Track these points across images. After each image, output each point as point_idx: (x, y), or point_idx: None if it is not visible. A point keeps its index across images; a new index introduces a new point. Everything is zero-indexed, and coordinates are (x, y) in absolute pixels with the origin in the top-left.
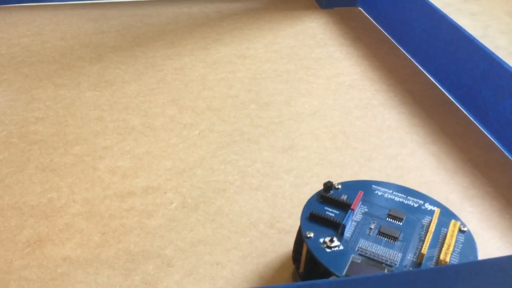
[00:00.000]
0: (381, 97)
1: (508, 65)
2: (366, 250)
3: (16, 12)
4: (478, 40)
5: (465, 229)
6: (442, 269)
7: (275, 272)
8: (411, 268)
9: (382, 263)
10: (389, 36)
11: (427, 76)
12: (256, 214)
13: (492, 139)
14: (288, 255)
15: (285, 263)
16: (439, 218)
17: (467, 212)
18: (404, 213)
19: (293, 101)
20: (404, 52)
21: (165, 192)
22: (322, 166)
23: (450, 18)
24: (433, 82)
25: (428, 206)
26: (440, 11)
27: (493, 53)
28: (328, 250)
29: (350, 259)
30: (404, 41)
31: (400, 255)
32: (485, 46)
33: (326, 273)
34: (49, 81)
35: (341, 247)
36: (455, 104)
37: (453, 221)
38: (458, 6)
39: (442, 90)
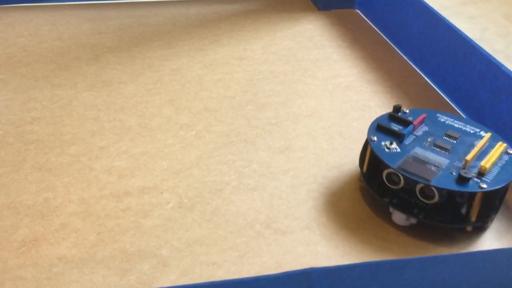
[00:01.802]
0: (378, 98)
1: (505, 67)
2: (419, 154)
3: (13, 12)
4: (475, 42)
5: (511, 152)
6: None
7: (271, 272)
8: (454, 171)
9: (430, 164)
10: (386, 38)
11: (424, 78)
12: (253, 215)
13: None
14: (284, 256)
15: (281, 263)
16: (490, 141)
17: None
18: (460, 134)
19: (290, 102)
20: (401, 54)
21: (162, 192)
22: (319, 167)
23: (448, 21)
24: (430, 84)
25: (483, 133)
26: (438, 13)
27: (490, 55)
28: (387, 150)
29: (404, 157)
30: (401, 43)
31: (448, 161)
32: (482, 48)
33: (384, 167)
34: (46, 81)
35: (398, 150)
36: (452, 106)
37: (500, 142)
38: (456, 9)
39: (439, 91)
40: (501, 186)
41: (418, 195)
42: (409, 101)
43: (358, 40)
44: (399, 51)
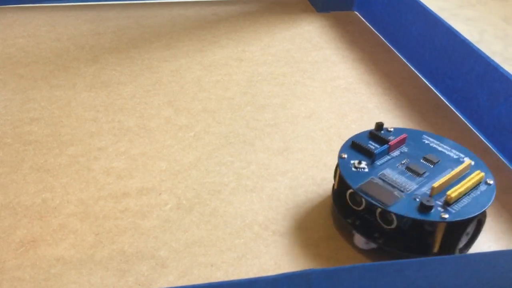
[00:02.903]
0: (376, 100)
1: (503, 69)
2: (387, 176)
3: (12, 13)
4: (473, 44)
5: (491, 182)
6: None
7: (270, 274)
8: (419, 198)
9: (395, 187)
10: (385, 40)
11: (423, 80)
12: (251, 216)
13: (487, 143)
14: (283, 257)
15: (280, 264)
16: (470, 170)
17: None
18: (439, 159)
19: (289, 104)
20: (400, 55)
21: (160, 193)
22: (318, 168)
23: (446, 23)
24: (429, 86)
25: (466, 160)
26: (436, 15)
27: (488, 57)
28: (354, 169)
29: (369, 178)
30: (399, 45)
31: (415, 186)
32: (480, 50)
33: (347, 187)
34: (45, 82)
35: (366, 170)
36: (450, 108)
37: (478, 171)
38: (454, 11)
39: (437, 93)
40: (465, 218)
41: (378, 219)
42: (407, 103)
43: (356, 42)
44: (397, 53)
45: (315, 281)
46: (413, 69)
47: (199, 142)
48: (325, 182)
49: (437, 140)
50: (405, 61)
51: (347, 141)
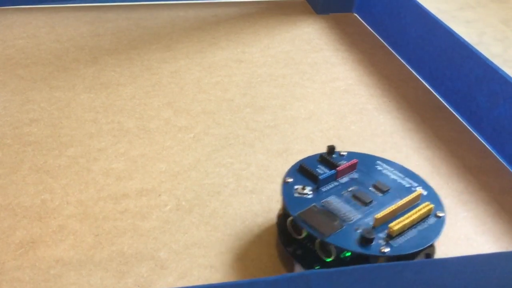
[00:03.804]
0: (376, 102)
1: (502, 71)
2: (330, 204)
3: (12, 14)
4: (472, 46)
5: (441, 215)
6: (430, 262)
7: (269, 275)
8: (360, 229)
9: (337, 216)
10: (384, 42)
11: (422, 82)
12: (251, 217)
13: (486, 145)
14: (282, 258)
15: (280, 267)
16: (420, 200)
17: (461, 217)
18: (389, 187)
19: (289, 105)
20: (399, 57)
21: (159, 195)
22: None
23: (445, 25)
24: (428, 88)
25: (418, 189)
26: (435, 17)
27: (487, 59)
28: (297, 195)
29: (311, 206)
30: (399, 47)
31: (359, 216)
32: (479, 52)
33: (288, 214)
34: (44, 83)
35: (310, 196)
36: (450, 110)
37: (427, 203)
38: (453, 13)
39: (437, 95)
40: (407, 253)
41: (317, 250)
42: (407, 104)
43: (356, 43)
44: (397, 55)
45: (315, 283)
46: (413, 71)
47: (199, 143)
48: None
49: (391, 167)
50: (405, 63)
51: (294, 164)
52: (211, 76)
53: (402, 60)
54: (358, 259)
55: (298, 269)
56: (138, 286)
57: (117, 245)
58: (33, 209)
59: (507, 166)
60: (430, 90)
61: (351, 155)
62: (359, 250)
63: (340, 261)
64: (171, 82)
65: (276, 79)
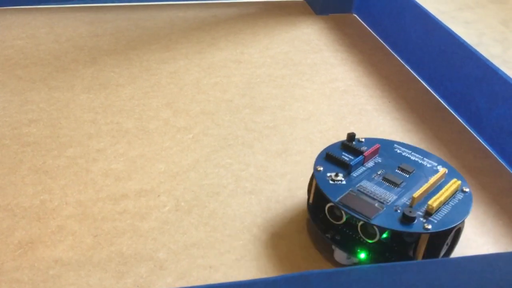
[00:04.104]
0: (375, 102)
1: (502, 72)
2: (365, 188)
3: (11, 14)
4: (472, 47)
5: (467, 190)
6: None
7: (268, 275)
8: (400, 209)
9: (375, 199)
10: (383, 43)
11: (421, 82)
12: (250, 218)
13: (485, 146)
14: (281, 259)
15: (278, 267)
16: (445, 178)
17: None
18: (414, 168)
19: (288, 106)
20: (399, 58)
21: (159, 195)
22: None
23: (445, 25)
24: (427, 88)
25: (440, 168)
26: (435, 18)
27: (487, 60)
28: (331, 182)
29: (348, 191)
30: (398, 48)
31: (395, 197)
32: (479, 53)
33: (326, 201)
34: (43, 83)
35: (344, 182)
36: (449, 110)
37: (454, 179)
38: (453, 14)
39: (436, 96)
40: (447, 228)
41: (360, 232)
42: (406, 105)
43: (355, 44)
44: (396, 56)
45: (314, 283)
46: (412, 71)
47: (198, 144)
48: None
49: (409, 150)
50: (404, 63)
51: (321, 153)
52: (210, 76)
53: (401, 61)
54: (398, 238)
55: (296, 270)
56: (137, 287)
57: (116, 245)
58: (32, 209)
59: (506, 167)
60: (429, 91)
61: (369, 140)
62: (404, 229)
63: (381, 242)
64: (170, 83)
65: (275, 80)
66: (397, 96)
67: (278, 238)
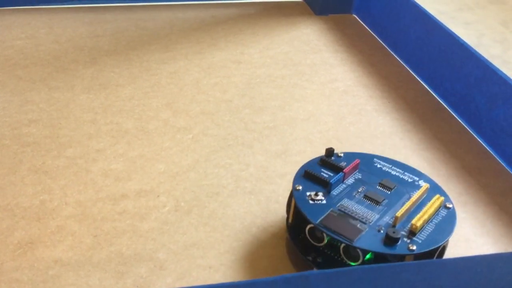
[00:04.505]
0: (375, 103)
1: (502, 72)
2: (347, 207)
3: (10, 15)
4: (472, 47)
5: (450, 206)
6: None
7: (268, 276)
8: (383, 229)
9: (357, 219)
10: (383, 43)
11: (421, 83)
12: (249, 218)
13: (485, 146)
14: (281, 259)
15: (278, 267)
16: (428, 194)
17: (460, 218)
18: (395, 184)
19: (288, 106)
20: (398, 58)
21: (158, 196)
22: None
23: (444, 26)
24: (427, 89)
25: (422, 183)
26: (434, 18)
27: (487, 60)
28: (311, 202)
29: (329, 211)
30: (398, 48)
31: (377, 216)
32: (479, 53)
33: (306, 222)
34: (43, 83)
35: (324, 202)
36: (449, 111)
37: (437, 195)
38: (452, 15)
39: (436, 96)
40: (432, 248)
41: (342, 254)
42: (406, 106)
43: (355, 44)
44: (396, 56)
45: (314, 284)
46: (412, 72)
47: (198, 144)
48: None
49: (389, 164)
50: (404, 64)
51: (298, 171)
52: (210, 77)
53: (401, 61)
54: (382, 259)
55: (296, 270)
56: (137, 287)
57: (116, 245)
58: (31, 209)
59: (506, 168)
60: (429, 91)
61: (348, 155)
62: (388, 251)
63: (364, 264)
64: (170, 83)
65: (275, 80)
66: (397, 96)
67: (277, 239)
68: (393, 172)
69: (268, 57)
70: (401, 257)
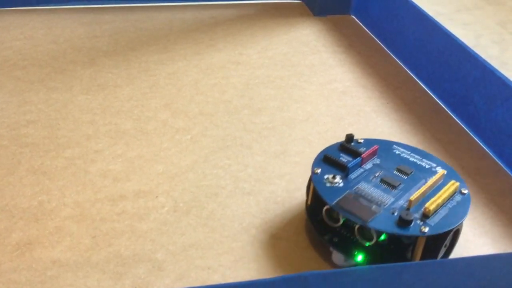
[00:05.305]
0: (373, 104)
1: (500, 72)
2: (363, 190)
3: (9, 15)
4: (470, 48)
5: (465, 191)
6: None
7: (266, 276)
8: (397, 212)
9: (372, 202)
10: (381, 44)
11: (419, 84)
12: (248, 219)
13: (484, 147)
14: (280, 260)
15: (277, 268)
16: (444, 179)
17: None
18: (412, 169)
19: (286, 107)
20: (397, 59)
21: (157, 196)
22: None
23: (443, 27)
24: (425, 90)
25: (439, 169)
26: (433, 19)
27: (485, 61)
28: (328, 184)
29: (345, 193)
30: (396, 49)
31: (392, 199)
32: (477, 54)
33: (323, 203)
34: (41, 84)
35: (341, 185)
36: (447, 112)
37: (453, 181)
38: (451, 16)
39: (434, 97)
40: (444, 231)
41: (356, 235)
42: (404, 106)
43: (353, 45)
44: (394, 57)
45: (312, 284)
46: (410, 73)
47: (196, 145)
48: None
49: (408, 150)
50: (402, 65)
51: (318, 155)
52: (209, 77)
53: (399, 62)
54: (396, 240)
55: (295, 271)
56: None
57: (114, 246)
58: (30, 210)
59: (505, 168)
60: (427, 92)
61: (368, 141)
62: (400, 232)
63: (378, 245)
64: (168, 84)
65: (273, 81)
66: (395, 97)
67: (276, 239)
68: (411, 159)
69: (267, 58)
70: (414, 239)
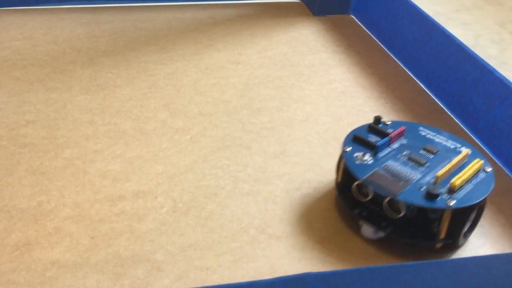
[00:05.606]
0: (372, 104)
1: (499, 73)
2: (391, 167)
3: (8, 15)
4: (469, 48)
5: (489, 170)
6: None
7: (266, 277)
8: (424, 186)
9: (400, 177)
10: (381, 44)
11: (418, 84)
12: (247, 219)
13: (482, 147)
14: (279, 261)
15: (276, 268)
16: (468, 158)
17: None
18: (438, 149)
19: (285, 107)
20: (396, 59)
21: (156, 197)
22: (314, 171)
23: (442, 27)
24: (424, 90)
25: (463, 149)
26: (432, 19)
27: (484, 61)
28: (358, 161)
29: (374, 170)
30: (396, 49)
31: (419, 176)
32: (476, 54)
33: (353, 179)
34: (41, 84)
35: (370, 162)
36: (446, 112)
37: (477, 159)
38: (450, 16)
39: (433, 97)
40: (470, 204)
41: (386, 209)
42: (403, 106)
43: (353, 45)
44: (393, 57)
45: (311, 285)
46: (409, 72)
47: (195, 145)
48: (321, 185)
49: (433, 132)
50: (401, 64)
51: (348, 135)
52: (208, 78)
53: (398, 62)
54: (423, 214)
55: (294, 272)
56: None
57: (113, 247)
58: (29, 211)
59: (503, 168)
60: (426, 92)
61: (395, 123)
62: (428, 204)
63: (406, 218)
64: (167, 84)
65: (273, 81)
66: (395, 97)
67: (275, 240)
68: (437, 140)
69: (266, 58)
70: (440, 212)
